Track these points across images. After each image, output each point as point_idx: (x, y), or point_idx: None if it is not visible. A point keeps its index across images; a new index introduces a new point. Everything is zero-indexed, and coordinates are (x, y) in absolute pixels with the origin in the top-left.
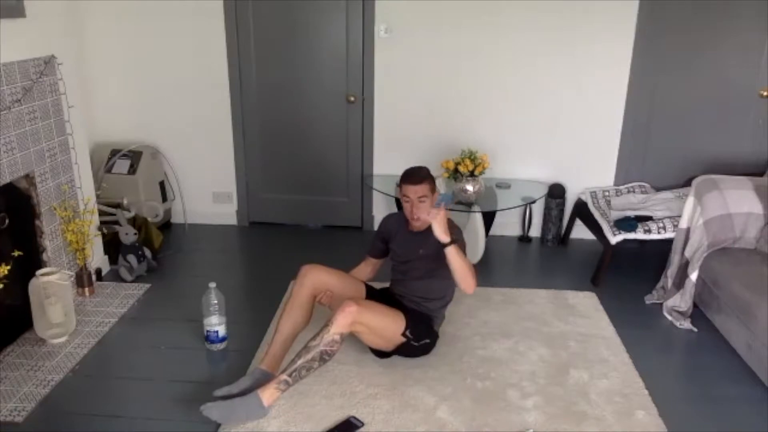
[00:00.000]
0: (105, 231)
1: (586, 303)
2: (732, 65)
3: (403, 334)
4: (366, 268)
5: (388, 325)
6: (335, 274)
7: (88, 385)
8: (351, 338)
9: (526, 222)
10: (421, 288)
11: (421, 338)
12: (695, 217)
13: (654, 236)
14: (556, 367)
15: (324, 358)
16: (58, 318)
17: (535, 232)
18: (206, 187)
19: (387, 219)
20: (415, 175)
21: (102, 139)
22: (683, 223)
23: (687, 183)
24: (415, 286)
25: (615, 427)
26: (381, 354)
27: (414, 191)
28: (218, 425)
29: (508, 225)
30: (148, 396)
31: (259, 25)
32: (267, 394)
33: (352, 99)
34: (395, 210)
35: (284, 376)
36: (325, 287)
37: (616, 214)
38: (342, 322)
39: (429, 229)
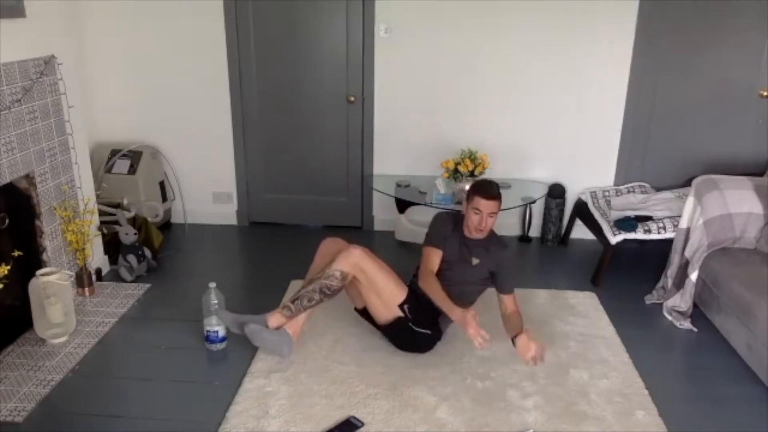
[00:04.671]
0: (105, 231)
1: (586, 303)
2: (732, 65)
3: (401, 307)
4: (436, 258)
5: (387, 286)
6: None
7: (88, 385)
8: (351, 338)
9: (526, 222)
10: (451, 291)
11: (420, 324)
12: (695, 217)
13: (654, 236)
14: (556, 367)
15: (324, 291)
16: (58, 318)
17: (535, 232)
18: (206, 187)
19: (442, 217)
20: (491, 191)
21: (102, 139)
22: (683, 223)
23: (687, 183)
24: (446, 286)
25: (615, 427)
26: (382, 329)
27: (487, 206)
28: (218, 424)
29: (508, 225)
30: (148, 396)
31: (259, 25)
32: (273, 319)
33: (352, 99)
34: (395, 210)
35: (287, 303)
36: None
37: (616, 214)
38: (344, 259)
39: (486, 240)
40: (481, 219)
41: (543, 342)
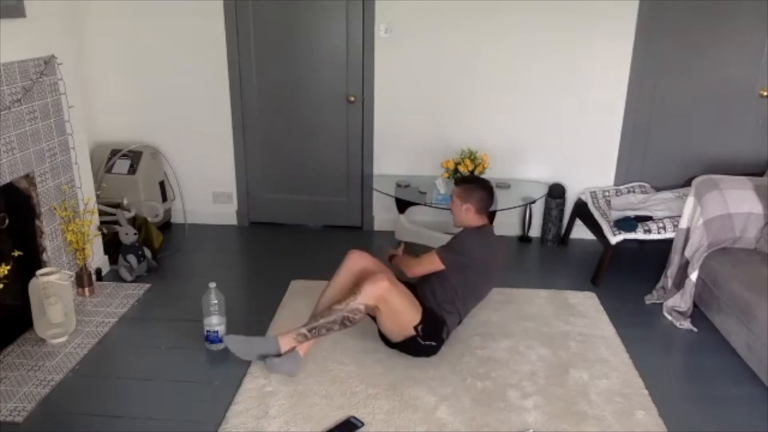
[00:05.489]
0: (105, 231)
1: (586, 303)
2: (732, 65)
3: (415, 328)
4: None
5: (406, 313)
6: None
7: (88, 385)
8: (352, 337)
9: (526, 222)
10: (433, 283)
11: (428, 338)
12: (695, 217)
13: (654, 236)
14: (556, 367)
15: (345, 323)
16: (58, 318)
17: (535, 232)
18: (206, 187)
19: None
20: (461, 178)
21: (102, 139)
22: (683, 223)
23: (687, 183)
24: (430, 279)
25: (615, 427)
26: (387, 343)
27: (455, 189)
28: (218, 423)
29: (508, 225)
30: (148, 396)
31: (259, 25)
32: (285, 341)
33: (352, 99)
34: (395, 210)
35: (304, 330)
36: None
37: (616, 214)
38: (370, 293)
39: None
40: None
41: (543, 342)
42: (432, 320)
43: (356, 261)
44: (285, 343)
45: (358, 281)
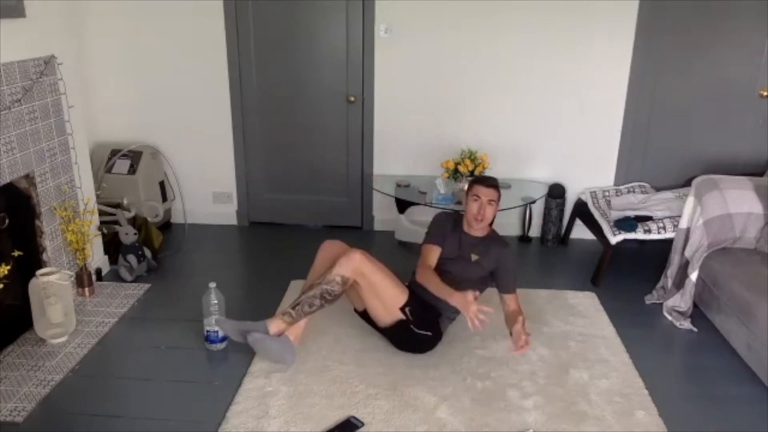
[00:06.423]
0: (105, 231)
1: (586, 303)
2: (732, 65)
3: (402, 310)
4: (434, 255)
5: (388, 290)
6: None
7: (88, 385)
8: (352, 337)
9: (526, 222)
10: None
11: (421, 326)
12: (695, 217)
13: (654, 236)
14: (556, 367)
15: (325, 296)
16: (58, 318)
17: (535, 232)
18: (206, 187)
19: (442, 217)
20: (490, 180)
21: (102, 139)
22: (683, 223)
23: (687, 183)
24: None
25: (615, 427)
26: (382, 331)
27: (485, 193)
28: (218, 423)
29: (508, 225)
30: (148, 396)
31: (259, 25)
32: (274, 325)
33: (352, 99)
34: (395, 210)
35: (288, 309)
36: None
37: (616, 214)
38: (344, 264)
39: (487, 238)
40: (480, 206)
41: (543, 341)
42: (424, 307)
43: (329, 248)
44: (273, 326)
45: (333, 262)
